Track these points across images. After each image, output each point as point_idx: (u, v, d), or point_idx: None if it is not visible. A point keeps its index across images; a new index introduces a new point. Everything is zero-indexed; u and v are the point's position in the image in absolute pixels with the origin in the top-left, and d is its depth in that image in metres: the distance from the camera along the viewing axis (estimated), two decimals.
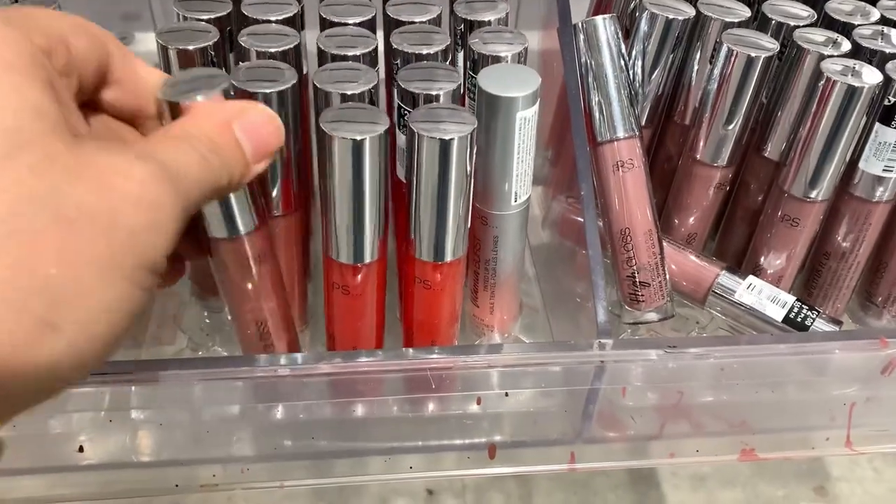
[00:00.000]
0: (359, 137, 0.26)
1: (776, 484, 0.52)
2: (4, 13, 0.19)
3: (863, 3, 0.36)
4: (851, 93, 0.31)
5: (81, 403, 0.29)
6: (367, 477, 0.33)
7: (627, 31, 0.36)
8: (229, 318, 0.31)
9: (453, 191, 0.27)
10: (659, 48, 0.35)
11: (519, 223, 0.33)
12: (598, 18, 0.34)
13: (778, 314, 0.35)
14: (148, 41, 0.40)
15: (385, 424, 0.32)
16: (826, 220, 0.36)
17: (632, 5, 0.37)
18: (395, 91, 0.30)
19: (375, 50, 0.31)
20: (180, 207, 0.19)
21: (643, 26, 0.35)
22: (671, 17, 0.34)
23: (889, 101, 0.32)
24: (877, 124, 0.32)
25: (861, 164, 0.33)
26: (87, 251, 0.17)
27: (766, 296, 0.35)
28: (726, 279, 0.35)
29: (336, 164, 0.26)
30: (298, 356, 0.29)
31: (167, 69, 0.30)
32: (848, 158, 0.33)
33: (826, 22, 0.35)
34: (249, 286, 0.29)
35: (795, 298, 0.35)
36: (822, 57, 0.32)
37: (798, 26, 0.34)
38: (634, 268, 0.35)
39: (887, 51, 0.33)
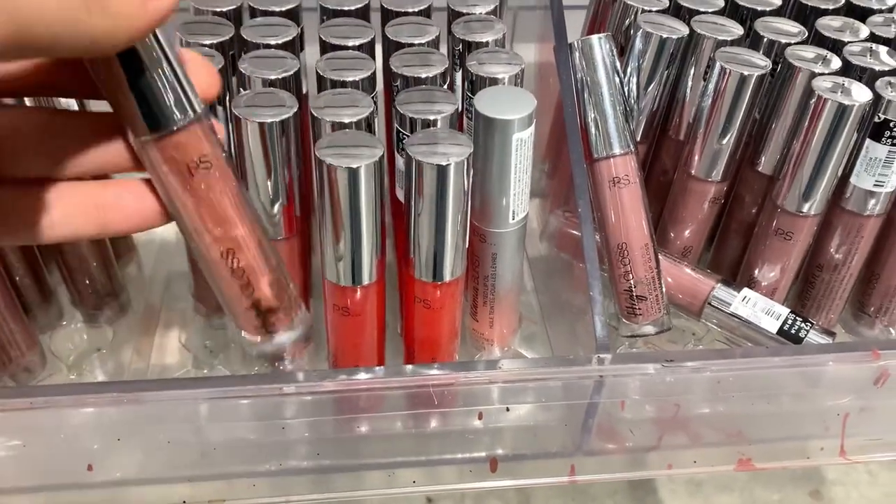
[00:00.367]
0: (354, 165, 0.26)
1: (772, 488, 0.53)
2: None
3: (851, 20, 0.37)
4: (842, 111, 0.31)
5: (91, 423, 0.30)
6: (371, 491, 0.33)
7: (622, 48, 0.37)
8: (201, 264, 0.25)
9: (451, 213, 0.28)
10: (653, 66, 0.36)
11: (517, 240, 0.33)
12: (594, 37, 0.34)
13: (773, 326, 0.35)
14: None
15: (388, 440, 0.33)
16: (819, 234, 0.36)
17: (626, 23, 0.37)
18: (394, 115, 0.30)
19: (374, 75, 0.32)
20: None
21: (638, 44, 0.36)
22: (665, 35, 0.35)
23: (879, 118, 0.32)
24: (868, 140, 0.33)
25: (852, 179, 0.34)
26: None
27: (760, 308, 0.35)
28: (722, 292, 0.36)
29: (330, 192, 0.27)
30: (301, 374, 0.30)
31: None
32: (840, 173, 0.34)
33: (817, 39, 0.36)
34: (194, 203, 0.23)
35: (789, 311, 0.35)
36: (813, 74, 0.33)
37: (790, 44, 0.35)
38: (631, 282, 0.35)
39: (877, 68, 0.34)
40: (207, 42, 0.32)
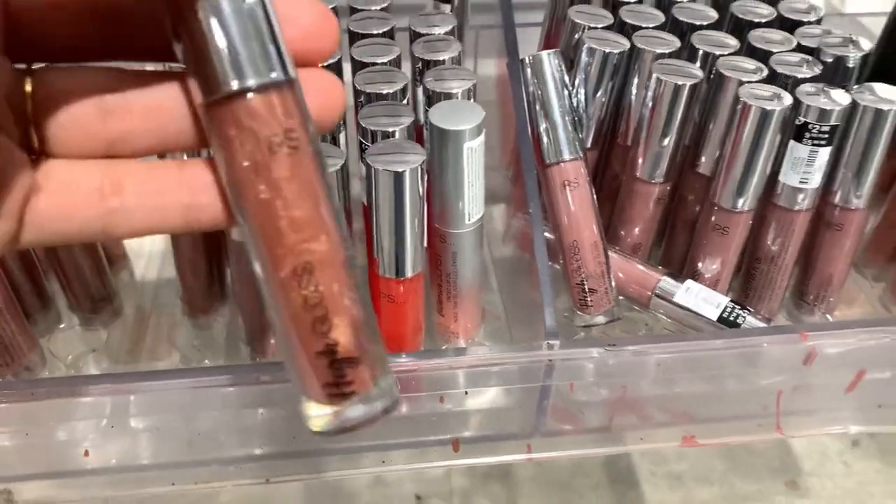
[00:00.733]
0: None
1: (749, 479, 0.55)
2: None
3: (782, 33, 0.40)
4: (765, 115, 0.35)
5: (86, 412, 0.33)
6: (346, 472, 0.36)
7: (572, 62, 0.40)
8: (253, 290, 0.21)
9: (408, 214, 0.31)
10: (598, 78, 0.39)
11: (474, 239, 0.36)
12: (543, 53, 0.38)
13: (713, 314, 0.38)
14: None
15: None
16: (756, 228, 0.39)
17: (575, 39, 0.41)
18: (357, 128, 0.34)
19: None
20: None
21: (584, 59, 0.39)
22: (608, 50, 0.38)
23: (800, 121, 0.35)
24: (791, 141, 0.36)
25: (781, 177, 0.37)
26: None
27: (702, 298, 0.39)
28: (666, 284, 0.39)
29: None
30: (267, 364, 0.33)
31: None
32: (768, 172, 0.37)
33: (749, 50, 0.39)
34: (269, 195, 0.18)
35: (729, 299, 0.39)
36: (741, 83, 0.36)
37: (723, 55, 0.38)
38: (583, 276, 0.39)
39: (799, 76, 0.37)
40: None
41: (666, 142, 0.38)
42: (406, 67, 0.38)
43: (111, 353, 0.40)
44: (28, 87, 0.19)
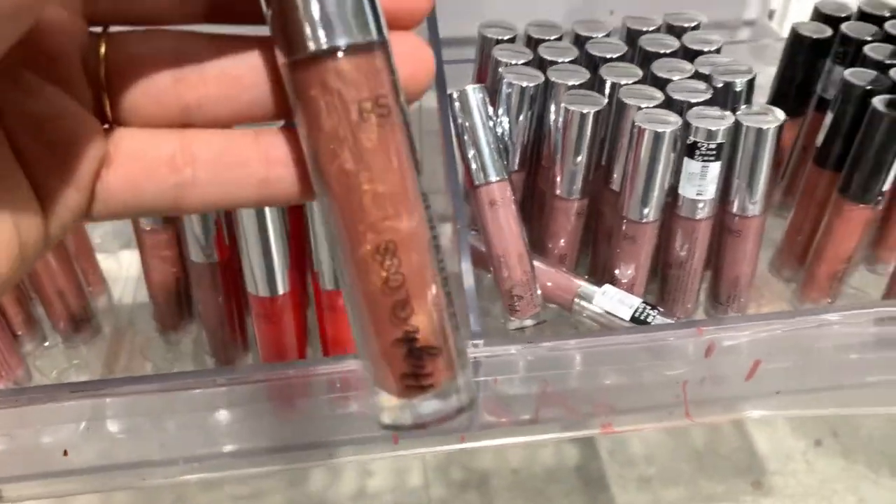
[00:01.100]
0: None
1: (716, 480, 0.59)
2: None
3: (683, 62, 0.45)
4: (657, 137, 0.40)
5: (65, 416, 0.37)
6: (298, 465, 0.40)
7: (497, 93, 0.45)
8: (340, 254, 0.18)
9: None
10: (519, 108, 0.44)
11: None
12: (469, 88, 0.43)
13: (626, 314, 0.43)
14: None
15: (311, 420, 0.40)
16: (664, 237, 0.44)
17: (498, 73, 0.46)
18: None
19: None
20: None
21: (504, 91, 0.44)
22: (525, 84, 0.43)
23: (690, 141, 0.40)
24: (685, 158, 0.41)
25: (680, 190, 0.42)
26: None
27: (617, 300, 0.43)
28: (585, 288, 0.44)
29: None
30: (232, 369, 0.37)
31: None
32: (667, 186, 0.42)
33: (653, 79, 0.44)
34: (355, 166, 0.16)
35: (641, 301, 0.43)
36: (639, 109, 0.41)
37: (627, 84, 0.43)
38: (511, 284, 0.43)
39: (692, 100, 0.42)
40: None
41: (578, 162, 0.43)
42: None
43: (91, 368, 0.45)
44: (102, 51, 0.18)
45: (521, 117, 0.44)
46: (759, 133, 0.40)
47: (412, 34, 0.18)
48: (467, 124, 0.43)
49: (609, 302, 0.43)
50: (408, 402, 0.18)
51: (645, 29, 0.48)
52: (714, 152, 0.40)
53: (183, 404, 0.38)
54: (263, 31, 0.17)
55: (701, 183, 0.41)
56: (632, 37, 0.48)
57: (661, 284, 0.46)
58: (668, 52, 0.46)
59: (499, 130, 0.44)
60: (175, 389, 0.37)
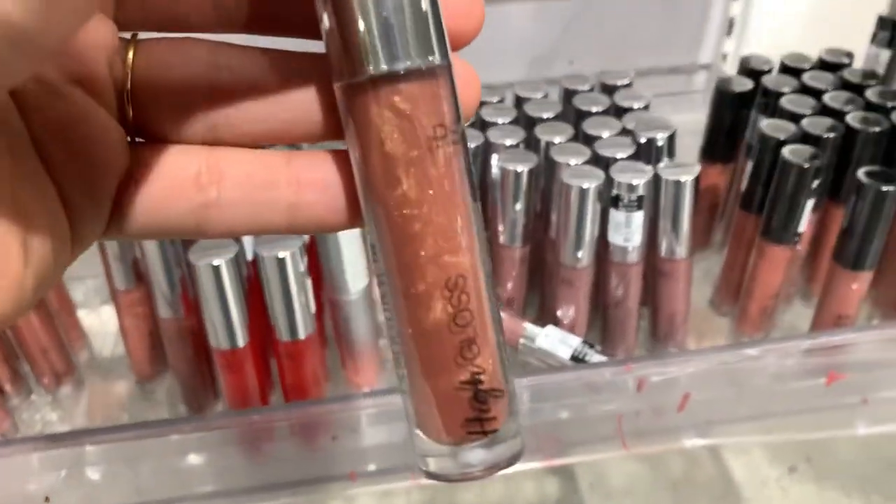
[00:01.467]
0: (215, 263, 0.38)
1: None
2: None
3: (612, 119, 0.49)
4: (582, 192, 0.43)
5: (46, 464, 0.40)
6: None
7: None
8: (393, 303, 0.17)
9: (294, 287, 0.40)
10: None
11: (363, 305, 0.45)
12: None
13: (566, 353, 0.46)
14: None
15: (275, 461, 0.43)
16: (600, 280, 0.48)
17: None
18: None
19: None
20: None
21: None
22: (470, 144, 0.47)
23: (613, 193, 0.44)
24: (611, 209, 0.45)
25: (609, 238, 0.46)
26: None
27: (558, 340, 0.47)
28: (529, 330, 0.47)
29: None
30: (200, 417, 0.41)
31: None
32: (597, 235, 0.46)
33: (584, 137, 0.48)
34: (419, 197, 0.15)
35: (581, 340, 0.47)
36: (567, 166, 0.45)
37: (559, 143, 0.47)
38: None
39: (617, 156, 0.46)
40: None
41: (517, 212, 0.47)
42: None
43: (74, 419, 0.48)
44: (130, 58, 0.17)
45: None
46: (678, 185, 0.44)
47: (459, 57, 0.17)
48: None
49: (550, 342, 0.47)
50: (459, 449, 0.16)
51: (579, 89, 0.52)
52: (636, 203, 0.44)
53: (157, 450, 0.42)
54: (299, 44, 0.17)
55: (627, 231, 0.45)
56: (568, 96, 0.52)
57: (603, 323, 0.50)
58: (599, 110, 0.50)
59: None
60: (148, 437, 0.40)
